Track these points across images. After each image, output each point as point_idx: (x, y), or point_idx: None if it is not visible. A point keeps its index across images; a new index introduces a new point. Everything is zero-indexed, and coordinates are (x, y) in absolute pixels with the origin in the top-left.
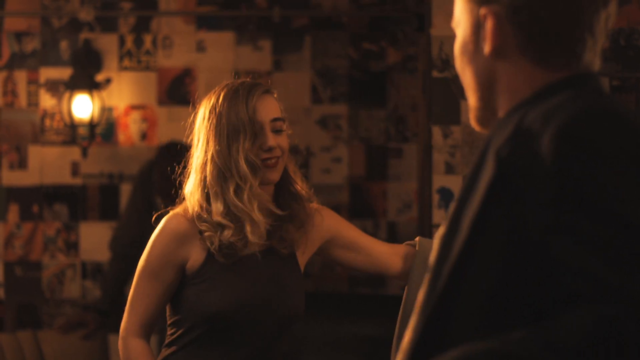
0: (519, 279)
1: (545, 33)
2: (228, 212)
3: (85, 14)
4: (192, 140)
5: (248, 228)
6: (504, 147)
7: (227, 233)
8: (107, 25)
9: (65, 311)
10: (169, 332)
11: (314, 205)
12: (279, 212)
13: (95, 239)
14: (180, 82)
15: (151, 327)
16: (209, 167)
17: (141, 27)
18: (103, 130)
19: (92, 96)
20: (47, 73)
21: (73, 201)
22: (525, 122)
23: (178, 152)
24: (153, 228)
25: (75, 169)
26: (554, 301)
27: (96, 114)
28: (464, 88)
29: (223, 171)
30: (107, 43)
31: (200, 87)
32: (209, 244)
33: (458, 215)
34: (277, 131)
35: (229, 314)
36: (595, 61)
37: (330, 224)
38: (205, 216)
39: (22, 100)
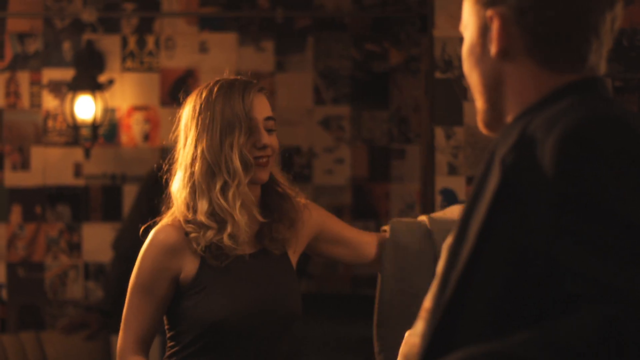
0: (523, 285)
1: (550, 34)
2: (212, 211)
3: (88, 15)
4: (177, 137)
5: (229, 229)
6: (508, 155)
7: (210, 233)
8: (110, 26)
9: (68, 312)
10: (168, 345)
11: (302, 200)
12: (260, 218)
13: (97, 239)
14: (183, 83)
15: (149, 343)
16: (198, 163)
17: (144, 28)
18: (106, 131)
19: (94, 97)
20: (50, 74)
21: (76, 202)
22: (529, 129)
23: None
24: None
25: (77, 170)
26: (556, 304)
27: (99, 115)
28: (471, 90)
29: (212, 167)
30: (109, 44)
31: None
32: (195, 246)
33: (465, 223)
34: (269, 130)
35: (230, 321)
36: (600, 64)
37: (317, 219)
38: (190, 217)
39: (25, 101)
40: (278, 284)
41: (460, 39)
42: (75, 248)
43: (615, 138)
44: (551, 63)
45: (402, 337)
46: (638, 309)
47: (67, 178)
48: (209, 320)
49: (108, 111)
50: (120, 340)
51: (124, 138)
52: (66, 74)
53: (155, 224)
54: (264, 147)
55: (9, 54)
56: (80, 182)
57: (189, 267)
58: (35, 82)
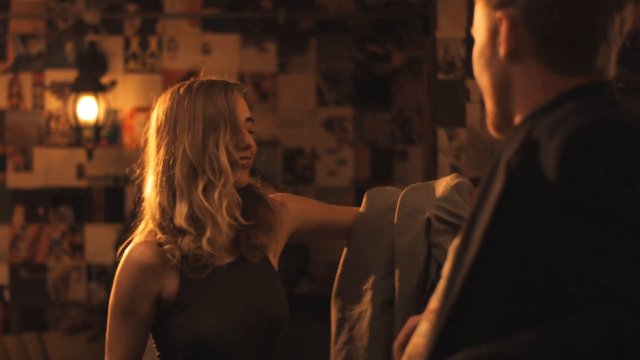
0: (527, 287)
1: (558, 36)
2: (192, 215)
3: (91, 17)
4: (147, 139)
5: (208, 233)
6: (513, 159)
7: (187, 240)
8: (113, 27)
9: (71, 313)
10: None
11: (275, 196)
12: (243, 221)
13: (100, 241)
14: None
15: None
16: (178, 164)
17: (146, 30)
18: (108, 132)
19: (97, 98)
20: (53, 75)
21: (78, 203)
22: (534, 133)
23: None
24: None
25: (80, 171)
26: (559, 305)
27: (101, 116)
28: (481, 93)
29: (195, 167)
30: (112, 45)
31: None
32: (170, 257)
33: (471, 226)
34: (249, 132)
35: (219, 338)
36: (609, 66)
37: (295, 213)
38: (165, 223)
39: (28, 102)
40: (262, 292)
41: (463, 41)
42: (77, 249)
43: (617, 141)
44: (559, 65)
45: (352, 313)
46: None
47: (69, 179)
48: (197, 338)
49: (110, 112)
50: None
51: (126, 139)
52: (69, 75)
53: (129, 242)
54: (247, 147)
55: (11, 55)
56: (83, 183)
57: (170, 284)
58: (38, 84)
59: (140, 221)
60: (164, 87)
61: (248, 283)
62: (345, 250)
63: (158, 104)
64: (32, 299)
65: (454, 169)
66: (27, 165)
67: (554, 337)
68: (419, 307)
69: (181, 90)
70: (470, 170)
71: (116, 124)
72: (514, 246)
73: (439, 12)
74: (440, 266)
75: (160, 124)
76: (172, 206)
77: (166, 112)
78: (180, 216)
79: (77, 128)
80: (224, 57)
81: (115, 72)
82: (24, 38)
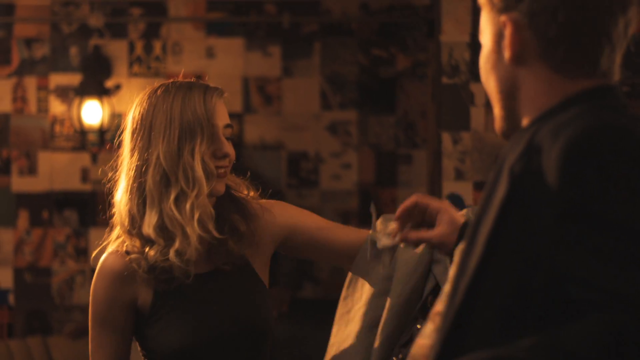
0: (530, 292)
1: (562, 38)
2: (161, 225)
3: (95, 20)
4: (121, 141)
5: (176, 244)
6: (516, 164)
7: (154, 251)
8: (117, 31)
9: (75, 317)
10: None
11: (265, 202)
12: (216, 234)
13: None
14: None
15: None
16: (151, 171)
17: (151, 33)
18: (113, 136)
19: (101, 102)
20: (57, 79)
21: (83, 207)
22: (537, 137)
23: None
24: None
25: (85, 175)
26: (562, 310)
27: (106, 120)
28: (489, 98)
29: (168, 175)
30: (116, 49)
31: None
32: (136, 267)
33: (476, 230)
34: (227, 139)
35: (194, 348)
36: (613, 69)
37: (283, 221)
38: (134, 231)
39: (32, 106)
40: (239, 303)
41: (467, 44)
42: (82, 253)
43: (618, 146)
44: (563, 67)
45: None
46: None
47: (74, 183)
48: (171, 350)
49: (115, 116)
50: None
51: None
52: (73, 79)
53: (101, 252)
54: (225, 156)
55: (16, 59)
56: (87, 187)
57: (144, 293)
58: (43, 88)
59: (113, 228)
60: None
61: (224, 294)
62: (349, 275)
63: (135, 104)
64: (37, 302)
65: (458, 173)
66: (31, 169)
67: (555, 341)
68: (407, 323)
69: (159, 92)
70: (474, 174)
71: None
72: (517, 250)
73: (444, 16)
74: (438, 285)
75: (136, 127)
76: (142, 214)
77: (142, 114)
78: (149, 225)
79: (82, 132)
80: (228, 61)
81: (119, 75)
82: (29, 42)
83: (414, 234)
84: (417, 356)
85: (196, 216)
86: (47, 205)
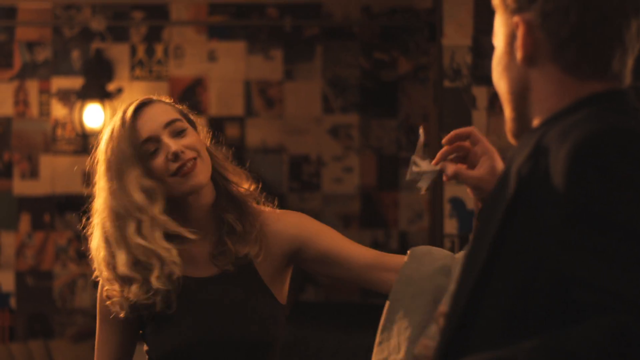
0: (535, 294)
1: (574, 39)
2: (133, 260)
3: (97, 24)
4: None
5: (155, 272)
6: (524, 166)
7: (134, 288)
8: (119, 34)
9: (77, 320)
10: None
11: (280, 211)
12: (190, 235)
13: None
14: (192, 92)
15: None
16: (104, 213)
17: (153, 37)
18: None
19: (103, 106)
20: (59, 83)
21: (85, 210)
22: (545, 140)
23: None
24: None
25: (86, 179)
26: (567, 312)
27: (108, 123)
28: (500, 99)
29: (119, 212)
30: (118, 53)
31: (211, 97)
32: (118, 309)
33: (482, 232)
34: (177, 133)
35: (187, 350)
36: (625, 72)
37: (295, 233)
38: (112, 276)
39: (34, 109)
40: (242, 309)
41: (469, 48)
42: (83, 256)
43: (625, 149)
44: (575, 69)
45: None
46: None
47: (76, 186)
48: (163, 350)
49: None
50: None
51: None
52: (75, 82)
53: None
54: (175, 156)
55: (18, 62)
56: (90, 190)
57: None
58: (44, 91)
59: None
60: (170, 94)
61: (223, 300)
62: (387, 304)
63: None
64: (38, 306)
65: None
66: (33, 173)
67: (557, 343)
68: None
69: (106, 135)
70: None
71: None
72: (523, 251)
73: (445, 19)
74: None
75: (92, 169)
76: (113, 257)
77: (94, 159)
78: (122, 264)
79: (83, 135)
80: (230, 65)
81: (121, 79)
82: (31, 45)
83: (454, 166)
84: (421, 357)
85: (156, 234)
86: (49, 209)
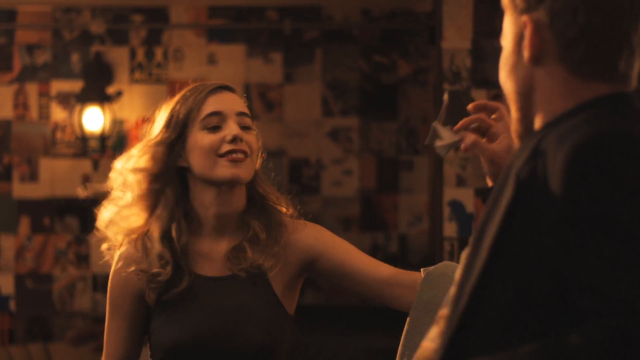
0: (534, 297)
1: (582, 39)
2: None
3: (97, 27)
4: None
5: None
6: (523, 169)
7: (156, 241)
8: (118, 38)
9: (76, 323)
10: None
11: (298, 221)
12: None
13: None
14: None
15: None
16: (143, 173)
17: (152, 40)
18: (114, 142)
19: (103, 109)
20: (58, 86)
21: (84, 214)
22: (543, 143)
23: None
24: None
25: (86, 182)
26: (566, 316)
27: (107, 126)
28: (506, 100)
29: (162, 172)
30: (118, 56)
31: None
32: (134, 277)
33: (481, 235)
34: (244, 127)
35: (185, 348)
36: (631, 74)
37: (312, 244)
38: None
39: (34, 112)
40: (245, 311)
41: (469, 51)
42: (83, 259)
43: (623, 152)
44: (581, 70)
45: None
46: None
47: (75, 189)
48: (165, 345)
49: (116, 123)
50: None
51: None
52: (75, 85)
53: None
54: (235, 138)
55: (17, 65)
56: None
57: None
58: (44, 94)
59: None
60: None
61: (234, 300)
62: (407, 324)
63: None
64: (38, 309)
65: (459, 180)
66: (32, 176)
67: (556, 346)
68: None
69: (177, 97)
70: (475, 180)
71: (122, 134)
72: (522, 254)
73: (445, 22)
74: None
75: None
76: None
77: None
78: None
79: (83, 138)
80: (229, 68)
81: (121, 82)
82: (30, 48)
83: (473, 136)
84: (422, 359)
85: (158, 212)
86: (48, 212)
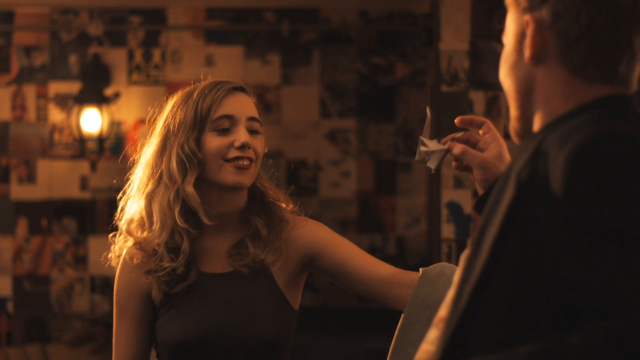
0: (534, 299)
1: (583, 40)
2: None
3: (94, 29)
4: None
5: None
6: (523, 170)
7: (164, 235)
8: (116, 39)
9: (74, 325)
10: None
11: (300, 218)
12: (207, 220)
13: (104, 253)
14: None
15: None
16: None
17: (150, 42)
18: (112, 144)
19: (101, 110)
20: (56, 87)
21: (82, 215)
22: (545, 144)
23: None
24: None
25: (84, 183)
26: (565, 318)
27: (105, 128)
28: (506, 98)
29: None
30: (116, 57)
31: None
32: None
33: (481, 236)
34: (252, 131)
35: (191, 344)
36: (631, 77)
37: (313, 240)
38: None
39: (31, 114)
40: (250, 306)
41: (466, 53)
42: (81, 261)
43: (624, 155)
44: (581, 71)
45: None
46: None
47: (73, 191)
48: (170, 342)
49: (114, 124)
50: None
51: (130, 151)
52: (72, 87)
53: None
54: (243, 146)
55: (15, 67)
56: (87, 195)
57: (157, 285)
58: (42, 96)
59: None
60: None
61: (238, 295)
62: (398, 328)
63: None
64: (36, 310)
65: (457, 181)
66: (30, 177)
67: (554, 348)
68: None
69: (194, 92)
70: (473, 182)
71: (120, 136)
72: (522, 256)
73: (442, 24)
74: None
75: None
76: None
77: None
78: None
79: (81, 140)
80: (227, 69)
81: (118, 83)
82: (28, 50)
83: (461, 145)
84: None
85: (177, 209)
86: (46, 214)
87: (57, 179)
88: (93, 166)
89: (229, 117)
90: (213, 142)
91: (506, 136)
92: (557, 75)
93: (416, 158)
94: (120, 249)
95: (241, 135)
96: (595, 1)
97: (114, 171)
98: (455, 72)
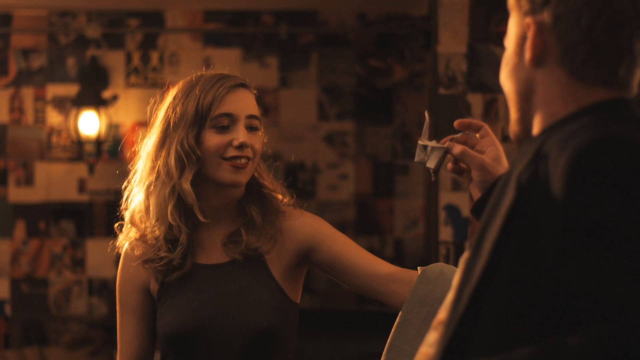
0: (533, 301)
1: (583, 43)
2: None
3: (92, 31)
4: None
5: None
6: (524, 172)
7: (163, 227)
8: (114, 42)
9: (72, 328)
10: None
11: (297, 210)
12: (202, 218)
13: (101, 255)
14: None
15: None
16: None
17: (148, 44)
18: (110, 147)
19: (98, 113)
20: (54, 90)
21: (80, 218)
22: (545, 147)
23: None
24: None
25: (81, 186)
26: (564, 321)
27: (103, 130)
28: (506, 100)
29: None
30: (114, 60)
31: None
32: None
33: (481, 239)
34: (252, 129)
35: (185, 334)
36: (631, 81)
37: (309, 233)
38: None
39: (29, 117)
40: (244, 296)
41: (464, 55)
42: (79, 264)
43: (624, 158)
44: (581, 74)
45: None
46: None
47: (71, 194)
48: (166, 333)
49: (112, 127)
50: None
51: (128, 154)
52: (70, 89)
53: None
54: (241, 145)
55: (13, 69)
56: (84, 197)
57: (154, 278)
58: (40, 98)
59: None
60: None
61: (232, 285)
62: (395, 324)
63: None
64: (33, 313)
65: (455, 184)
66: (28, 180)
67: (554, 350)
68: None
69: (197, 85)
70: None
71: (118, 139)
72: (522, 258)
73: (440, 26)
74: None
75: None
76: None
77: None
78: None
79: (79, 142)
80: (225, 72)
81: (116, 86)
82: (26, 53)
83: (461, 146)
84: None
85: (171, 204)
86: (44, 216)
87: (55, 181)
88: (91, 169)
89: (228, 115)
90: (212, 140)
91: (504, 139)
92: (558, 78)
93: (415, 160)
94: (125, 238)
95: (240, 134)
96: (596, 5)
97: (112, 174)
98: (453, 74)
